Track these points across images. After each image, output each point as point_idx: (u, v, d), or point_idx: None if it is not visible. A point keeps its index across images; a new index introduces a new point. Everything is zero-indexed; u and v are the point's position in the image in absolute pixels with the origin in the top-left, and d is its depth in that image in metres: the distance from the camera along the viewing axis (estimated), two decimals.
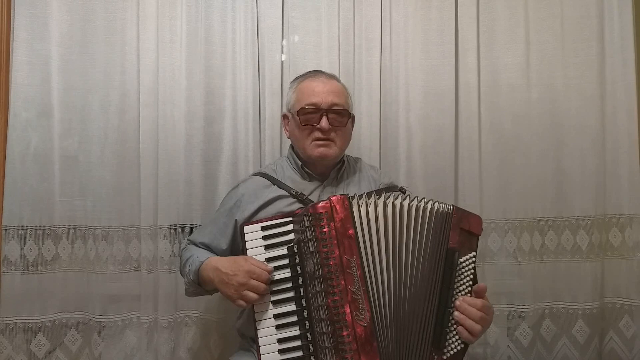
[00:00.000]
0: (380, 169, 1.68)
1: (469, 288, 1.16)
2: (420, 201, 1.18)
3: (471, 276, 1.16)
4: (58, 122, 1.58)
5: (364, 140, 1.71)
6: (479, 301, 1.14)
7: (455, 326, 1.13)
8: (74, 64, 1.60)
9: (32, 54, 1.56)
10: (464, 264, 1.16)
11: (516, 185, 1.73)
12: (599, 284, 1.70)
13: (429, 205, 1.17)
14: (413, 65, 1.73)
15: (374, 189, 1.40)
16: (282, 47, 1.71)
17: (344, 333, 1.07)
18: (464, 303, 1.13)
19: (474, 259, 1.17)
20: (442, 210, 1.18)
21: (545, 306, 1.72)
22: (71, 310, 1.59)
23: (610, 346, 1.71)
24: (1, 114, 1.55)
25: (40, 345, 1.55)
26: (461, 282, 1.15)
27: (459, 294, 1.15)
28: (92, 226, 1.59)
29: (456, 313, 1.13)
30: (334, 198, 1.14)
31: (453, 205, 1.19)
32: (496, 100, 1.74)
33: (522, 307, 1.71)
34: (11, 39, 1.56)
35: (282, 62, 1.71)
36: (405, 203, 1.17)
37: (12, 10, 1.56)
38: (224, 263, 1.23)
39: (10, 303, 1.53)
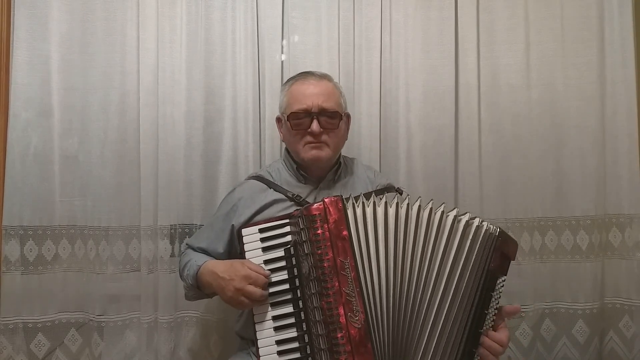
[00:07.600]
0: (379, 169, 1.68)
1: (496, 310, 1.14)
2: (439, 206, 1.14)
3: (500, 298, 1.15)
4: (58, 122, 1.58)
5: (364, 140, 1.70)
6: (505, 338, 1.13)
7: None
8: (73, 64, 1.60)
9: (32, 54, 1.56)
10: (497, 287, 1.14)
11: (516, 185, 1.73)
12: (599, 284, 1.70)
13: (476, 222, 1.13)
14: (413, 65, 1.73)
15: (370, 190, 1.38)
16: (282, 47, 1.71)
17: (338, 335, 1.07)
18: (489, 340, 1.11)
19: (503, 282, 1.16)
20: (491, 232, 1.13)
21: (545, 306, 1.72)
22: (71, 310, 1.59)
23: (611, 346, 1.71)
24: (1, 114, 1.55)
25: (40, 345, 1.55)
26: (492, 304, 1.13)
27: (489, 315, 1.12)
28: (92, 226, 1.59)
29: (482, 350, 1.11)
30: (327, 200, 1.13)
31: (499, 228, 1.15)
32: (496, 100, 1.74)
33: (522, 307, 1.70)
34: (11, 39, 1.56)
35: (282, 62, 1.71)
36: (415, 207, 1.14)
37: (12, 10, 1.56)
38: (221, 267, 1.23)
39: (10, 303, 1.53)
